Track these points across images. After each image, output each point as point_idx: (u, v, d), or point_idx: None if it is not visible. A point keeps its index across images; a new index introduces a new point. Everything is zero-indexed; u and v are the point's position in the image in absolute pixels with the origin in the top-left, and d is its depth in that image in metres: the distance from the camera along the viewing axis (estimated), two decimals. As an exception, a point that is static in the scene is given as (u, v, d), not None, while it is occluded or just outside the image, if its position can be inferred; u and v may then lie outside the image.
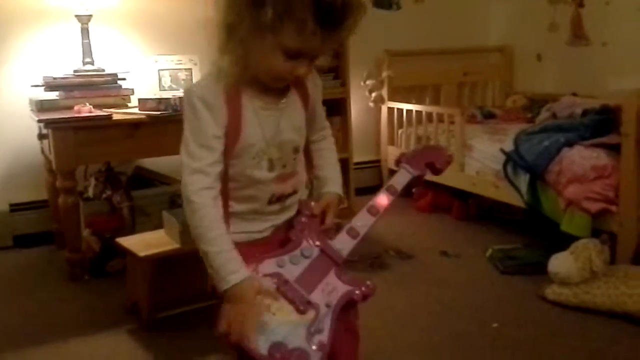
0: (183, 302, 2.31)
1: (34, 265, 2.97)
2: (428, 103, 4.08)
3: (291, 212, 1.42)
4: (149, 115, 2.74)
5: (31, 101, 2.95)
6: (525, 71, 4.25)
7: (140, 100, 2.87)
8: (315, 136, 1.51)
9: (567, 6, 3.85)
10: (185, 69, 3.21)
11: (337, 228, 1.41)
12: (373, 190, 4.17)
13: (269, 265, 1.31)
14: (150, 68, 3.19)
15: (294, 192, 1.41)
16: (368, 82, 3.92)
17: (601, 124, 2.85)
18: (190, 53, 3.17)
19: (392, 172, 3.90)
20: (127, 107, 2.97)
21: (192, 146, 1.27)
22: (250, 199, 1.36)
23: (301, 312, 1.27)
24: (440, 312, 2.36)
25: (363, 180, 3.89)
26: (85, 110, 2.71)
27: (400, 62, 3.98)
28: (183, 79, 3.19)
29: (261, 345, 1.22)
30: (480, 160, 3.24)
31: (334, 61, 3.43)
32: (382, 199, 1.44)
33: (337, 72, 3.51)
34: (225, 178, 1.32)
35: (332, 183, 1.50)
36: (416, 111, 3.76)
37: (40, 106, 2.84)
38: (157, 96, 2.94)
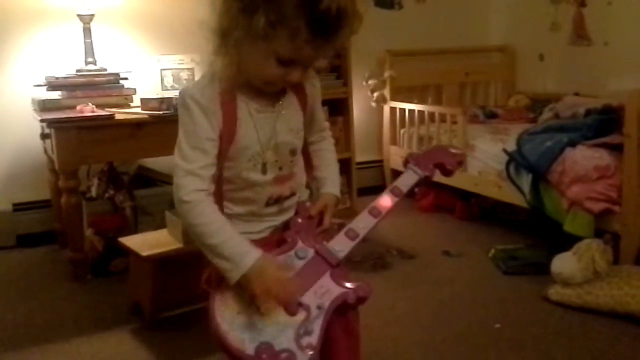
0: (186, 301, 2.31)
1: (37, 264, 2.97)
2: (430, 103, 4.07)
3: (290, 214, 1.42)
4: (151, 115, 2.74)
5: (34, 101, 2.96)
6: (528, 71, 4.25)
7: (142, 100, 2.87)
8: (314, 137, 1.50)
9: (569, 6, 3.85)
10: (187, 68, 3.21)
11: (339, 228, 1.40)
12: (375, 190, 4.16)
13: None
14: (153, 68, 3.20)
15: (292, 194, 1.41)
16: (370, 81, 3.92)
17: (604, 123, 2.84)
18: (193, 53, 3.17)
19: (394, 172, 3.94)
20: (129, 106, 2.98)
21: (185, 148, 1.27)
22: (248, 201, 1.35)
23: (291, 313, 1.26)
24: (442, 312, 2.36)
25: (365, 180, 3.90)
26: (88, 110, 2.71)
27: (402, 62, 3.98)
28: (185, 79, 3.19)
29: (248, 346, 1.22)
30: (483, 160, 3.24)
31: (336, 61, 3.43)
32: (385, 201, 1.43)
33: (339, 72, 3.52)
34: (219, 180, 1.32)
35: (330, 184, 1.48)
36: (418, 111, 3.75)
37: (43, 106, 2.85)
38: (160, 96, 2.94)
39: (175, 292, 2.27)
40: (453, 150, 1.53)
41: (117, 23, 3.25)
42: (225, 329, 1.23)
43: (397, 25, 4.03)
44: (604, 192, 2.57)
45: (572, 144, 2.76)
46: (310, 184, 1.51)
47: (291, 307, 1.26)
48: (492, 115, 3.88)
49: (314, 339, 1.24)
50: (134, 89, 3.06)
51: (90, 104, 2.77)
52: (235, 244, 1.26)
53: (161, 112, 2.73)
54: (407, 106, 3.84)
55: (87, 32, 2.99)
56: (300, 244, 1.35)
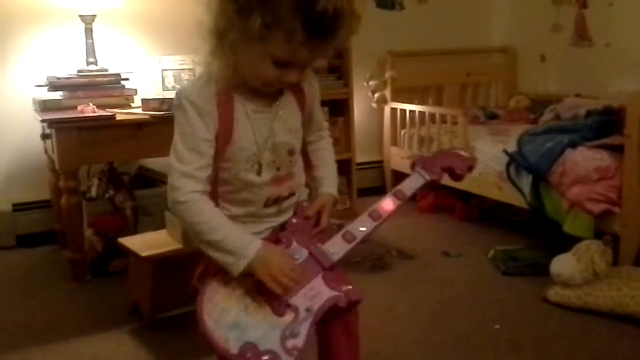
0: (185, 302, 2.31)
1: (37, 264, 2.97)
2: (431, 104, 4.07)
3: (289, 214, 1.41)
4: (152, 116, 2.74)
5: (34, 101, 2.96)
6: (529, 72, 4.25)
7: (143, 100, 2.87)
8: (312, 137, 1.49)
9: (570, 7, 3.84)
10: (188, 69, 3.22)
11: (338, 229, 1.39)
12: (375, 191, 4.16)
13: None
14: (154, 68, 3.20)
15: (291, 194, 1.40)
16: (371, 82, 3.92)
17: (604, 125, 2.84)
18: (194, 53, 3.17)
19: (394, 173, 3.95)
20: (130, 107, 2.98)
21: (181, 150, 1.26)
22: (246, 203, 1.35)
23: (278, 314, 1.26)
24: (441, 312, 2.36)
25: (365, 180, 3.90)
26: (89, 110, 2.71)
27: (403, 63, 3.97)
28: (186, 80, 3.19)
29: (232, 345, 1.21)
30: (483, 161, 3.23)
31: (337, 62, 3.43)
32: (387, 204, 1.40)
33: (340, 73, 3.52)
34: (215, 182, 1.31)
35: (328, 183, 1.47)
36: (419, 112, 3.75)
37: (44, 106, 2.85)
38: (160, 96, 2.95)
39: (174, 293, 2.27)
40: (463, 154, 1.50)
41: (118, 24, 3.26)
42: (211, 327, 1.23)
43: (398, 26, 4.03)
44: (604, 193, 2.57)
45: (573, 145, 2.76)
46: (310, 183, 1.50)
47: (279, 307, 1.26)
48: (492, 116, 3.88)
49: (299, 341, 1.23)
50: (135, 90, 3.06)
51: (91, 104, 2.77)
52: (237, 238, 1.26)
53: (162, 113, 2.73)
54: (408, 107, 3.84)
55: (88, 32, 3.00)
56: (294, 244, 1.34)
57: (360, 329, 1.48)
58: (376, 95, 3.94)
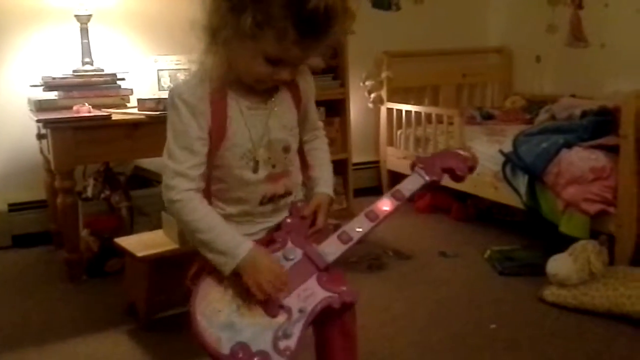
0: (181, 302, 2.30)
1: (32, 265, 2.96)
2: (427, 104, 4.07)
3: (285, 214, 1.40)
4: (147, 116, 2.74)
5: (30, 101, 2.95)
6: (524, 72, 4.25)
7: (139, 100, 2.87)
8: (307, 136, 1.48)
9: (566, 8, 3.85)
10: (184, 69, 3.21)
11: (334, 229, 1.39)
12: (372, 191, 4.15)
13: None
14: (150, 68, 3.20)
15: (287, 192, 1.39)
16: (367, 82, 3.92)
17: (600, 125, 2.85)
18: (189, 53, 3.16)
19: (391, 173, 3.95)
20: (126, 107, 2.97)
21: (174, 148, 1.26)
22: (241, 201, 1.34)
23: (271, 315, 1.25)
24: (438, 312, 2.36)
25: (362, 181, 3.90)
26: (84, 110, 2.70)
27: (400, 63, 3.98)
28: (181, 79, 3.19)
29: (224, 345, 1.21)
30: (479, 161, 3.22)
31: (333, 62, 3.43)
32: (385, 204, 1.39)
33: (336, 73, 3.52)
34: (208, 179, 1.31)
35: (324, 183, 1.46)
36: (415, 112, 3.75)
37: (39, 106, 2.84)
38: (156, 96, 2.94)
39: (170, 293, 2.26)
40: (464, 155, 1.49)
41: (114, 23, 3.25)
42: (204, 326, 1.23)
43: (395, 27, 4.03)
44: (600, 193, 2.57)
45: (568, 145, 2.77)
46: (306, 183, 1.50)
47: (272, 308, 1.25)
48: (488, 117, 3.89)
49: (292, 342, 1.22)
50: (131, 90, 3.05)
51: (86, 104, 2.77)
52: (228, 238, 1.26)
53: (158, 113, 2.72)
54: (404, 107, 3.84)
55: (84, 32, 2.99)
56: (289, 244, 1.34)
57: (357, 329, 1.48)
58: (372, 95, 3.94)
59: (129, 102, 3.03)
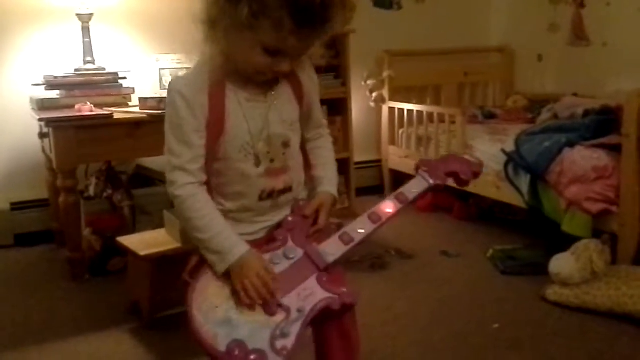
0: (184, 301, 2.31)
1: (35, 264, 2.97)
2: (429, 103, 4.07)
3: (286, 212, 1.39)
4: (149, 114, 2.74)
5: (32, 100, 2.95)
6: (526, 71, 4.25)
7: (141, 99, 2.87)
8: (311, 134, 1.47)
9: (568, 7, 3.85)
10: (186, 68, 3.21)
11: (337, 228, 1.38)
12: (374, 190, 4.15)
13: None
14: (151, 67, 3.20)
15: (286, 188, 1.38)
16: (369, 82, 3.91)
17: (602, 124, 2.84)
18: (191, 52, 3.16)
19: (392, 172, 3.95)
20: (127, 106, 2.97)
21: (172, 142, 1.27)
22: (239, 196, 1.34)
23: (269, 313, 1.25)
24: (440, 312, 2.36)
25: (364, 180, 3.90)
26: (86, 109, 2.71)
27: (401, 62, 3.97)
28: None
29: (220, 341, 1.20)
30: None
31: (334, 61, 3.43)
32: (388, 206, 1.39)
33: (338, 72, 3.51)
34: (209, 172, 1.31)
35: (327, 182, 1.45)
36: (417, 111, 3.75)
37: (41, 105, 2.85)
38: (158, 95, 2.94)
39: (173, 292, 2.26)
40: (469, 159, 1.48)
41: (116, 22, 3.25)
42: (200, 322, 1.22)
43: (396, 26, 4.03)
44: (602, 192, 2.57)
45: (571, 144, 2.76)
46: (309, 182, 1.49)
47: (270, 307, 1.25)
48: (490, 116, 3.89)
49: (289, 342, 1.22)
50: (133, 89, 3.06)
51: (88, 103, 2.77)
52: (224, 239, 1.27)
53: (159, 112, 2.71)
54: (406, 106, 3.84)
55: (85, 31, 2.99)
56: (290, 243, 1.33)
57: (358, 329, 1.48)
58: (374, 94, 3.94)
59: (130, 101, 3.03)
